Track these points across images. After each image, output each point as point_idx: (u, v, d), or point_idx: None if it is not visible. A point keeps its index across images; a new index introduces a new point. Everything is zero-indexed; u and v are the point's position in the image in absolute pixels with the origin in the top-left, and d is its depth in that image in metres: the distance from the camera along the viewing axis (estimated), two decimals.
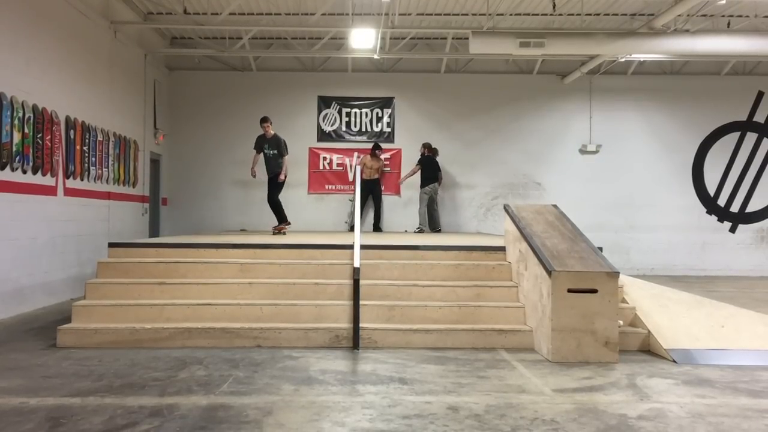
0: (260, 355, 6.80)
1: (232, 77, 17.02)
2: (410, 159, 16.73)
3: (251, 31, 14.87)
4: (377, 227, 16.10)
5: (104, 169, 12.61)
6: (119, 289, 8.01)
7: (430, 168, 16.02)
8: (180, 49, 16.29)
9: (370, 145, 16.91)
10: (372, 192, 16.16)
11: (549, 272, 6.92)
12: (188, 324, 7.41)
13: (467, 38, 13.39)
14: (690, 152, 17.26)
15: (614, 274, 6.92)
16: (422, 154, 16.14)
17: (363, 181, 15.29)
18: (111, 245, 8.93)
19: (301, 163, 16.79)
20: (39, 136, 10.11)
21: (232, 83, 17.00)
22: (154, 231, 15.66)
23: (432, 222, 15.91)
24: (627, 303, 7.95)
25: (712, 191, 17.29)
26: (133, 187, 14.18)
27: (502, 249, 8.86)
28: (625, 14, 14.31)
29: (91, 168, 12.04)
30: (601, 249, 7.79)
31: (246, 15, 14.49)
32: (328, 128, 17.06)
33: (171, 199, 16.74)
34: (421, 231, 15.58)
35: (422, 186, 15.95)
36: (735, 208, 17.29)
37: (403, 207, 16.79)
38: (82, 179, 11.65)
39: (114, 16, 13.06)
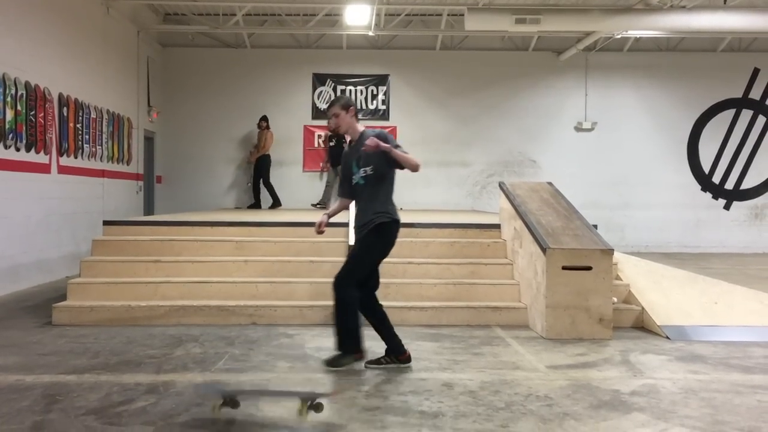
0: (256, 333, 6.83)
1: (226, 54, 16.91)
2: (406, 137, 16.65)
3: (245, 8, 14.74)
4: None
5: (98, 147, 12.55)
6: (114, 267, 8.01)
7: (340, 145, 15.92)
8: (173, 25, 16.15)
9: (366, 123, 16.76)
10: (256, 167, 15.96)
11: (544, 249, 6.94)
12: (183, 302, 7.42)
13: (463, 15, 13.31)
14: (685, 129, 17.25)
15: (608, 252, 6.94)
16: (336, 129, 15.79)
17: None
18: (106, 223, 8.94)
19: (296, 141, 16.75)
20: (32, 113, 10.05)
21: (226, 60, 16.88)
22: (148, 209, 15.62)
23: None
24: (621, 280, 7.98)
25: (707, 168, 17.30)
26: (128, 164, 14.13)
27: (497, 227, 8.87)
28: None
29: (85, 146, 11.98)
30: (595, 226, 7.81)
31: None
32: (322, 105, 16.98)
33: (165, 177, 16.69)
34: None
35: (337, 163, 15.86)
36: (730, 185, 17.32)
37: (398, 184, 16.73)
38: (76, 157, 11.59)
39: None
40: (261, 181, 15.91)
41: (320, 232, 5.81)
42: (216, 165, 16.79)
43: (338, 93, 17.00)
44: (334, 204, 6.02)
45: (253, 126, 16.41)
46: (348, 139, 6.17)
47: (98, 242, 8.47)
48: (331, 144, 15.94)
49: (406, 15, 15.88)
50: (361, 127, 5.79)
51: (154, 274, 7.94)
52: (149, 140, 15.85)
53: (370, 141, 5.33)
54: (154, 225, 8.97)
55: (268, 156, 15.93)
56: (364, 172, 5.52)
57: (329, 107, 5.79)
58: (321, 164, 16.65)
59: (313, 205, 16.30)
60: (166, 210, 15.77)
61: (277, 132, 16.46)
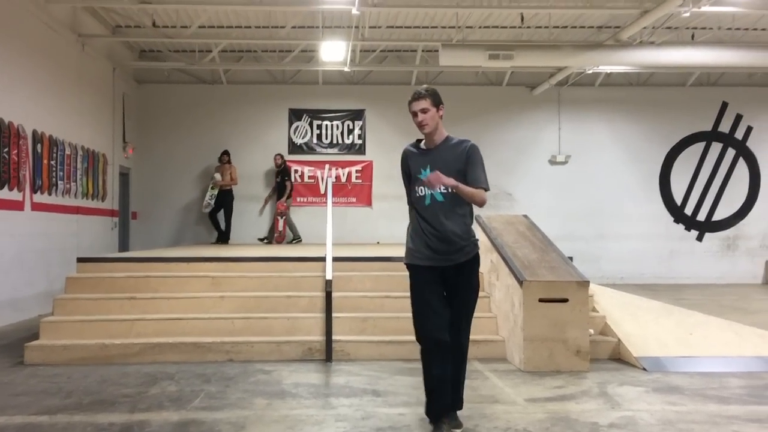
0: (232, 370, 6.76)
1: (202, 90, 16.94)
2: (382, 171, 16.75)
3: (221, 44, 14.83)
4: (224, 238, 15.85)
5: (72, 183, 12.47)
6: (88, 304, 7.92)
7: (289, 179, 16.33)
8: (149, 62, 16.20)
9: (342, 158, 16.97)
10: (224, 202, 15.98)
11: (520, 282, 6.97)
12: (159, 339, 7.34)
13: (437, 50, 13.48)
14: (657, 162, 17.51)
15: (584, 283, 6.99)
16: (282, 165, 16.20)
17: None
18: (80, 260, 8.84)
19: (273, 176, 16.74)
20: (5, 150, 9.97)
21: (202, 96, 16.91)
22: (123, 245, 15.50)
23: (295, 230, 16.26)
24: (597, 312, 8.02)
25: (679, 200, 17.54)
26: (103, 201, 14.03)
27: None
28: (592, 27, 14.50)
29: (59, 182, 11.89)
30: (571, 258, 7.87)
31: (215, 28, 14.45)
32: (299, 141, 17.05)
33: (141, 213, 16.59)
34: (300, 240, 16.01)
35: (288, 197, 16.12)
36: (702, 216, 17.56)
37: (375, 218, 16.80)
38: (50, 194, 11.50)
39: (81, 30, 12.95)
40: (225, 215, 15.96)
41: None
42: (192, 200, 16.72)
43: (314, 128, 17.08)
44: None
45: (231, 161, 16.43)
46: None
47: (72, 279, 8.38)
48: (278, 180, 16.12)
49: (381, 51, 16.06)
50: (445, 131, 4.83)
51: (129, 311, 7.85)
52: (124, 176, 15.78)
53: (434, 177, 4.51)
54: (129, 261, 8.90)
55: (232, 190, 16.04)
56: (445, 188, 4.58)
57: (417, 98, 4.72)
58: (265, 198, 16.69)
59: (260, 239, 16.33)
60: (142, 246, 15.66)
61: (254, 167, 16.52)
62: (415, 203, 4.77)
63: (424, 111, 4.69)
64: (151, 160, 16.61)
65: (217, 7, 12.79)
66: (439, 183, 4.52)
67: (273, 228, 16.27)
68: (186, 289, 8.28)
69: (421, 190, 4.69)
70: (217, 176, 15.80)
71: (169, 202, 16.69)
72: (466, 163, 4.66)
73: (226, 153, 16.08)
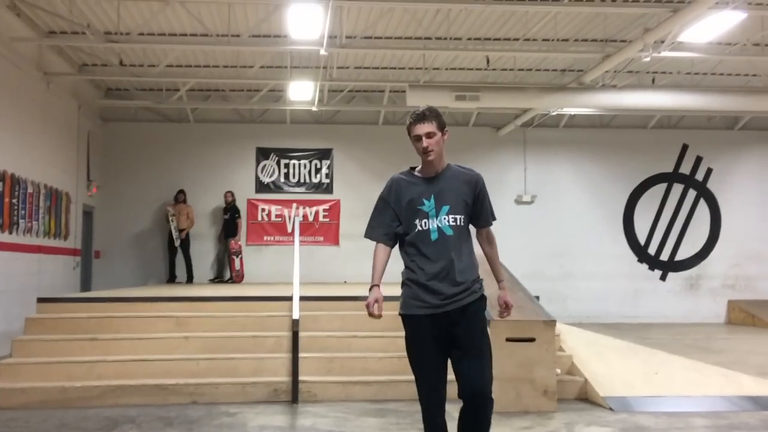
0: (196, 412, 6.63)
1: (168, 129, 16.87)
2: (350, 210, 16.77)
3: (189, 83, 14.83)
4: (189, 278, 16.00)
5: (34, 222, 12.26)
6: (48, 346, 7.74)
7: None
8: (115, 100, 16.12)
9: (309, 197, 16.97)
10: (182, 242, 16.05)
11: (487, 321, 6.97)
12: (121, 381, 7.18)
13: (404, 91, 13.64)
14: (621, 202, 17.77)
15: (551, 323, 7.01)
16: (232, 203, 16.28)
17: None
18: (40, 300, 8.67)
19: (240, 215, 16.64)
20: None
21: (168, 135, 16.84)
22: (85, 285, 15.23)
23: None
24: (564, 351, 8.05)
25: (642, 240, 17.79)
26: (65, 240, 13.81)
27: None
28: (556, 70, 14.80)
29: (21, 221, 11.69)
30: (538, 298, 7.91)
31: (183, 67, 14.46)
32: (266, 179, 17.02)
33: (104, 252, 16.34)
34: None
35: (234, 234, 16.17)
36: (665, 256, 17.81)
37: (343, 258, 16.75)
38: (10, 233, 11.29)
39: (47, 68, 12.86)
40: (185, 255, 15.98)
41: (379, 316, 4.22)
42: (157, 239, 16.53)
43: (282, 167, 17.09)
44: (378, 263, 4.36)
45: (197, 201, 16.33)
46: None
47: (31, 320, 8.19)
48: (226, 217, 16.13)
49: (349, 91, 16.18)
50: (446, 158, 4.31)
51: (90, 352, 7.69)
52: (88, 214, 15.58)
53: (503, 302, 4.32)
54: (91, 301, 8.75)
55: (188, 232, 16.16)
56: (453, 220, 4.09)
57: (420, 120, 4.11)
58: (219, 237, 16.64)
59: (210, 280, 16.22)
60: (105, 286, 15.39)
61: (220, 206, 16.47)
62: (415, 240, 4.12)
63: (429, 135, 4.11)
64: (116, 198, 16.43)
65: (185, 47, 12.84)
66: (506, 307, 4.34)
67: (229, 268, 16.23)
68: (149, 329, 8.14)
69: (425, 223, 4.09)
70: (170, 210, 15.92)
71: (134, 240, 16.49)
72: (476, 198, 4.24)
73: (181, 192, 16.09)
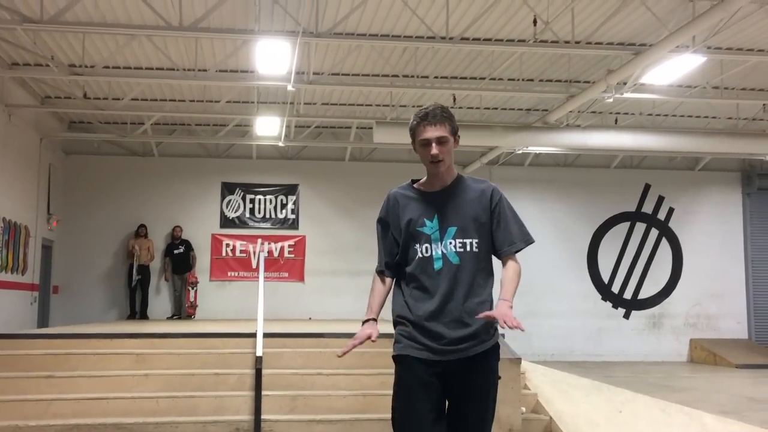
0: None
1: (132, 162, 16.69)
2: (315, 246, 16.69)
3: (154, 117, 14.72)
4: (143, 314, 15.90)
5: None
6: (2, 383, 7.47)
7: None
8: (78, 133, 15.92)
9: (275, 232, 16.86)
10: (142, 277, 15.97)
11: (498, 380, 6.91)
12: (77, 420, 6.96)
13: (371, 128, 13.69)
14: (585, 240, 17.93)
15: (516, 361, 6.99)
16: (180, 237, 16.24)
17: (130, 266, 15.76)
18: None
19: (203, 250, 16.47)
20: None
21: (132, 168, 16.65)
22: (43, 321, 14.87)
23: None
24: (529, 389, 8.01)
25: (606, 278, 17.93)
26: (22, 274, 13.50)
27: None
28: (521, 109, 15.01)
29: None
30: (503, 336, 7.88)
31: (149, 101, 14.38)
32: (231, 214, 16.88)
33: (63, 287, 15.99)
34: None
35: (190, 268, 16.11)
36: (628, 294, 17.96)
37: (308, 294, 16.61)
38: None
39: (9, 100, 12.69)
40: (143, 290, 15.85)
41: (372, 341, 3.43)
42: (118, 274, 16.23)
43: (247, 202, 16.98)
44: (375, 296, 3.58)
45: (160, 235, 16.14)
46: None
47: None
48: (179, 251, 15.97)
49: (316, 127, 16.21)
50: (455, 169, 3.58)
51: (46, 390, 7.45)
52: (47, 249, 15.27)
53: (503, 315, 3.22)
54: (48, 338, 8.52)
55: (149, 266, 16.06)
56: (461, 246, 3.32)
57: (432, 121, 3.35)
58: (165, 275, 16.44)
59: (168, 317, 15.98)
60: (63, 322, 15.03)
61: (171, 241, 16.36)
62: (414, 271, 3.38)
63: (441, 141, 3.38)
64: (77, 232, 16.15)
65: (151, 80, 12.76)
66: (510, 321, 3.18)
67: (183, 302, 16.08)
68: (108, 366, 7.93)
69: (426, 249, 3.33)
70: (133, 246, 15.72)
71: (94, 275, 16.18)
72: (491, 214, 3.42)
73: (143, 226, 15.93)
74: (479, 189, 3.48)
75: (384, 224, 3.53)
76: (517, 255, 3.55)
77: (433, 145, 3.38)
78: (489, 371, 3.45)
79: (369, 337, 3.40)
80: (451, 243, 3.35)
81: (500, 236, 3.46)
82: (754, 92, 13.64)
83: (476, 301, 3.34)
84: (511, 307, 3.31)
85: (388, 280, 3.56)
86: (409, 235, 3.41)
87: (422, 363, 3.33)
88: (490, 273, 3.48)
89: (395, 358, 3.48)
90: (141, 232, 15.89)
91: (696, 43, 10.20)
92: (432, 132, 3.38)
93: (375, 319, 3.50)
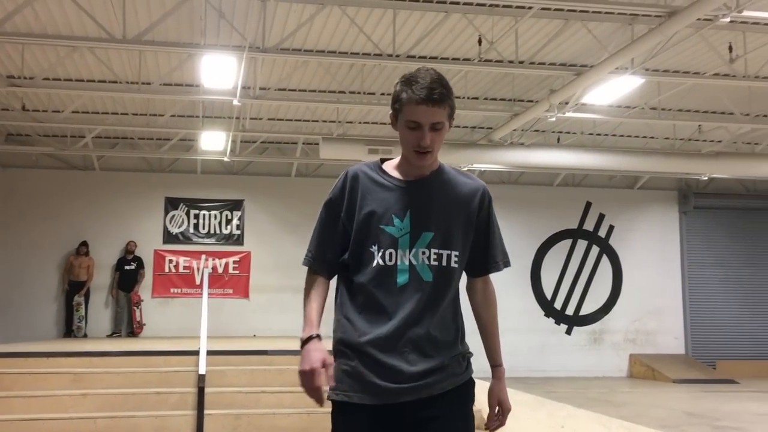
0: None
1: (72, 176, 16.30)
2: (261, 262, 16.54)
3: (95, 130, 14.44)
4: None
5: None
6: None
7: None
8: (16, 146, 15.47)
9: (219, 248, 16.65)
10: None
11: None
12: None
13: (318, 143, 13.67)
14: (528, 257, 18.15)
15: None
16: (132, 252, 16.06)
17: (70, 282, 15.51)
18: None
19: (145, 266, 16.15)
20: None
21: (72, 182, 16.26)
22: None
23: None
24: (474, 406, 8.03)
25: (549, 295, 18.18)
26: None
27: None
28: (467, 126, 15.17)
29: None
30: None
31: (90, 113, 14.09)
32: (175, 230, 16.62)
33: (1, 304, 15.49)
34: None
35: (134, 285, 15.91)
36: (570, 311, 18.23)
37: (253, 311, 16.43)
38: None
39: None
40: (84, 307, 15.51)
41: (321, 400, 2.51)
42: (57, 291, 15.80)
43: (191, 217, 16.74)
44: (313, 303, 2.70)
45: (100, 251, 15.80)
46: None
47: None
48: (130, 268, 15.72)
49: (262, 142, 16.11)
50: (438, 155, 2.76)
51: None
52: None
53: (497, 402, 2.92)
54: None
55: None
56: (437, 258, 2.56)
57: (429, 100, 2.47)
58: (112, 291, 16.09)
59: (108, 335, 15.65)
60: (2, 340, 14.55)
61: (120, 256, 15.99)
62: (367, 281, 2.56)
63: (436, 128, 2.56)
64: (14, 248, 15.66)
65: (92, 93, 12.52)
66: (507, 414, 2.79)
67: (129, 320, 15.78)
68: (44, 386, 7.70)
69: (390, 256, 2.53)
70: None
71: (31, 292, 15.70)
72: (479, 224, 2.71)
73: (84, 244, 15.61)
74: (469, 187, 2.69)
75: (333, 208, 2.67)
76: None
77: (426, 131, 2.54)
78: (463, 412, 2.71)
79: (323, 365, 2.47)
80: (424, 253, 2.55)
81: (485, 251, 2.74)
82: (690, 113, 14.05)
83: (445, 328, 2.63)
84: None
85: (326, 281, 2.71)
86: (366, 231, 2.57)
87: (371, 412, 2.48)
88: (456, 285, 2.68)
89: (335, 403, 2.56)
90: (81, 250, 15.55)
91: (635, 65, 10.48)
92: (427, 115, 2.51)
93: (319, 336, 2.57)
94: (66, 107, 13.18)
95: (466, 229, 2.66)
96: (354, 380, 2.52)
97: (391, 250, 2.55)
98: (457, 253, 2.62)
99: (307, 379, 2.46)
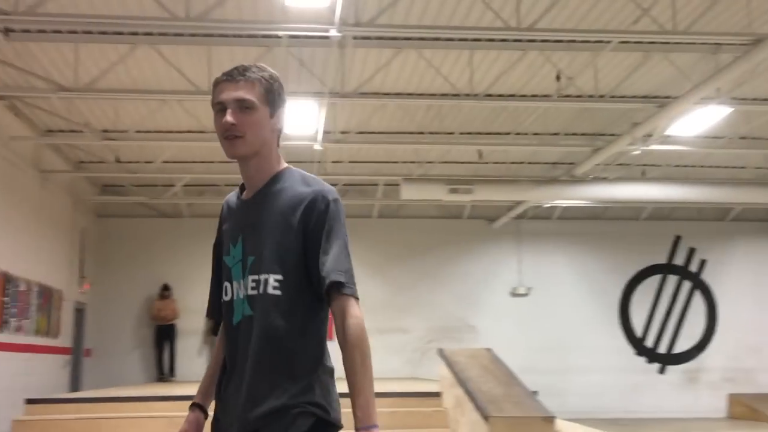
0: None
1: (163, 224, 16.89)
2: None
3: (184, 179, 14.95)
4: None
5: (25, 321, 12.10)
6: None
7: None
8: (111, 196, 16.17)
9: None
10: (168, 337, 16.05)
11: (486, 417, 6.81)
12: None
13: (398, 185, 13.77)
14: (616, 294, 17.68)
15: (550, 419, 6.85)
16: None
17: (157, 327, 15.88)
18: (28, 401, 8.46)
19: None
20: None
21: (162, 230, 16.84)
22: (75, 384, 14.89)
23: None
24: None
25: (639, 332, 17.62)
26: (55, 338, 13.59)
27: (438, 395, 8.72)
28: (547, 162, 15.01)
29: (11, 320, 11.53)
30: (536, 393, 7.76)
31: (179, 163, 14.60)
32: None
33: (95, 350, 16.05)
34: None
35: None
36: (662, 349, 17.60)
37: (336, 354, 16.45)
38: (0, 331, 11.12)
39: (44, 165, 12.98)
40: (170, 350, 15.97)
41: None
42: (149, 336, 16.28)
43: None
44: (212, 362, 2.44)
45: (186, 295, 16.19)
46: None
47: (18, 422, 7.97)
48: None
49: (343, 185, 16.32)
50: (283, 161, 2.58)
51: None
52: (80, 312, 15.39)
53: None
54: (80, 402, 8.56)
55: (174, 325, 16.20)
56: (255, 286, 2.18)
57: (230, 76, 2.27)
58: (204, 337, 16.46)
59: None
60: (95, 385, 15.03)
61: None
62: (224, 320, 2.29)
63: (243, 106, 2.23)
64: (108, 295, 16.27)
65: (181, 143, 13.00)
66: None
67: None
68: (140, 430, 7.91)
69: (227, 289, 2.26)
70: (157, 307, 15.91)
71: (126, 338, 16.24)
72: (307, 235, 2.23)
73: (166, 288, 16.10)
74: (298, 195, 2.26)
75: (215, 250, 2.40)
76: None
77: (228, 109, 2.20)
78: None
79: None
80: (239, 288, 2.21)
81: (317, 269, 2.20)
82: None
83: (267, 375, 2.12)
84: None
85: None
86: (219, 265, 2.34)
87: None
88: (300, 318, 2.17)
89: None
90: (164, 294, 16.03)
91: (721, 94, 10.20)
92: (229, 91, 2.22)
93: (200, 405, 2.41)
94: (156, 157, 13.70)
95: (288, 246, 2.17)
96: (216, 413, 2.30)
97: (227, 283, 2.26)
98: (278, 277, 2.14)
99: None
